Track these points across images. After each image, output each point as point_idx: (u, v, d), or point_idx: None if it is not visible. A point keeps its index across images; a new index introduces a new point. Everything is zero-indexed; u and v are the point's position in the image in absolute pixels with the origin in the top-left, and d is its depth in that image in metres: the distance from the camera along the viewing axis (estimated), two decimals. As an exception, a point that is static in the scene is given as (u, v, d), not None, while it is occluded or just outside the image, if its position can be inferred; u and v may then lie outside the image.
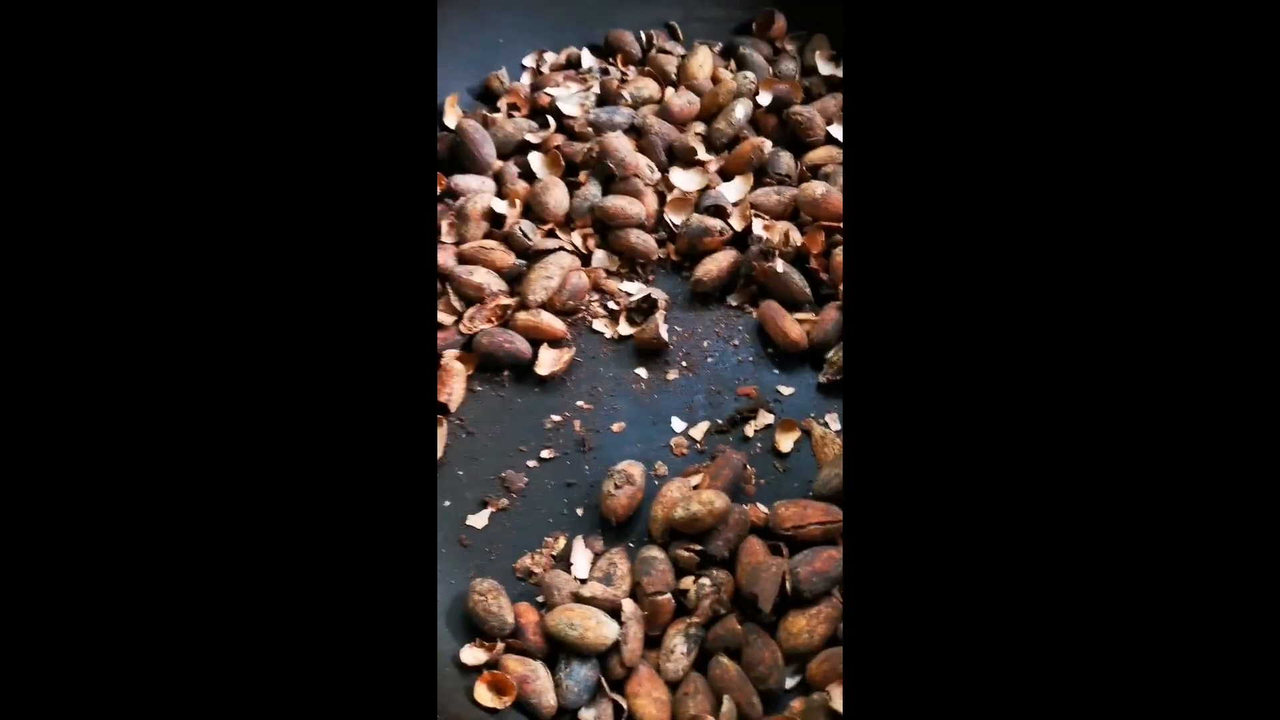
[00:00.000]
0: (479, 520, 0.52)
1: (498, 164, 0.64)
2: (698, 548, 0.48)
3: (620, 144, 0.61)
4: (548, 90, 0.67)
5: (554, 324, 0.57)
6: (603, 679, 0.46)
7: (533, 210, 0.61)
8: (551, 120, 0.66)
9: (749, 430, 0.55)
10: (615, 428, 0.55)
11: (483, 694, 0.44)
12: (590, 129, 0.64)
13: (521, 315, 0.57)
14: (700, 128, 0.66)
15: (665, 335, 0.57)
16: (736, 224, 0.61)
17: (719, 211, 0.62)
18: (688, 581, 0.48)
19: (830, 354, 0.57)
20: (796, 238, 0.60)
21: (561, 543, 0.51)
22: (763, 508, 0.50)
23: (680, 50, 0.71)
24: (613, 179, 0.62)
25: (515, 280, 0.59)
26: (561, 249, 0.60)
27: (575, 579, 0.49)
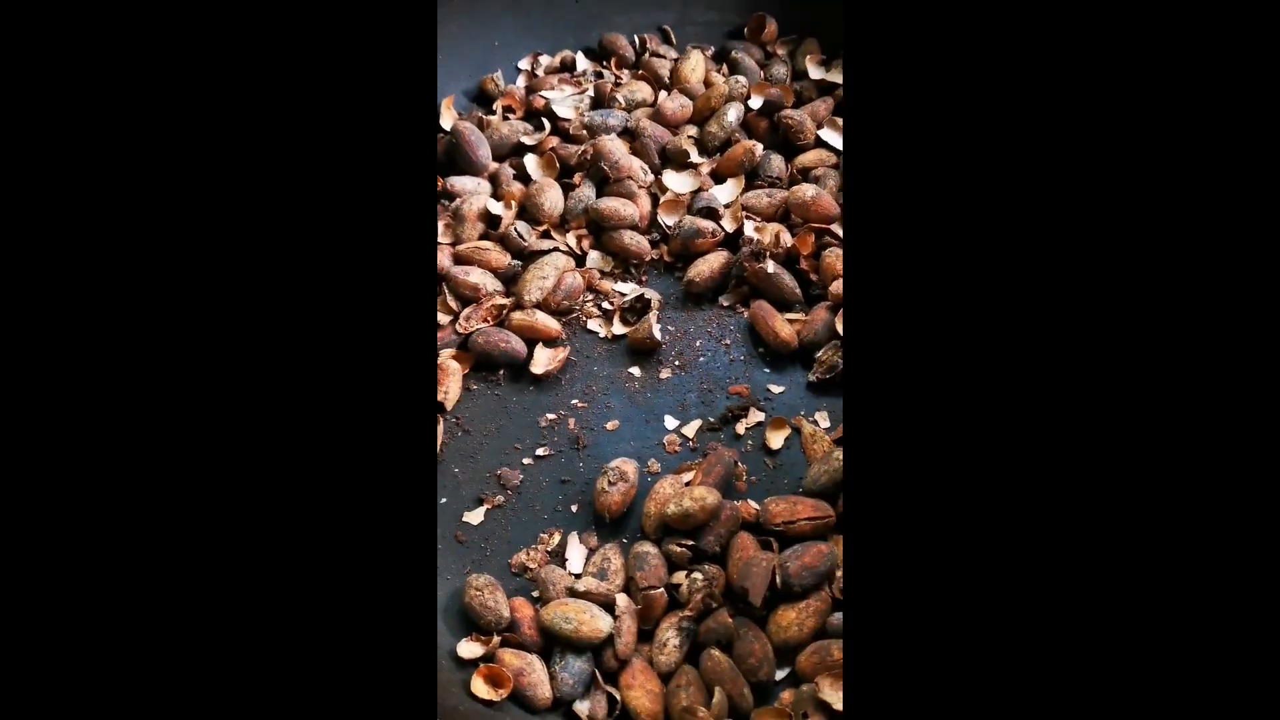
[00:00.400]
0: (475, 517, 0.53)
1: (493, 165, 0.65)
2: (690, 543, 0.49)
3: (615, 146, 0.62)
4: (543, 93, 0.68)
5: (549, 324, 0.58)
6: (597, 672, 0.46)
7: (528, 211, 0.62)
8: (546, 122, 0.67)
9: (740, 428, 0.56)
10: (609, 426, 0.56)
11: (479, 686, 0.45)
12: (585, 131, 0.65)
13: (517, 315, 0.58)
14: (693, 131, 0.67)
15: (658, 335, 0.58)
16: (728, 225, 0.62)
17: (711, 213, 0.63)
18: (680, 576, 0.49)
19: (820, 353, 0.58)
20: (787, 239, 0.61)
21: (556, 538, 0.52)
22: (753, 504, 0.51)
23: (673, 54, 0.72)
24: (607, 181, 0.63)
25: (511, 280, 0.60)
26: (556, 250, 0.60)
27: (570, 574, 0.50)
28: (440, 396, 0.56)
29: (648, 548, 0.50)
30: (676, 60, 0.70)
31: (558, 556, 0.51)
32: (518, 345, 0.57)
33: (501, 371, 0.58)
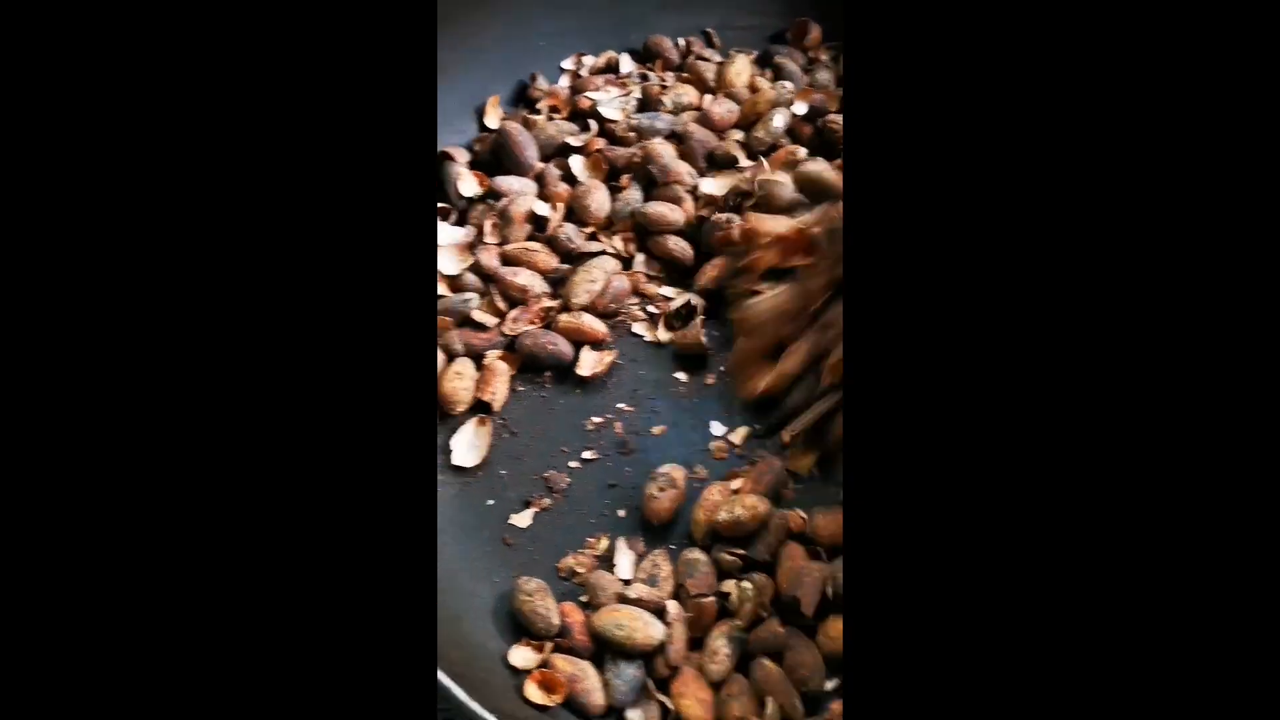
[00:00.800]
0: (523, 520, 0.53)
1: (539, 166, 0.64)
2: (741, 552, 0.49)
3: (665, 150, 0.62)
4: (588, 94, 0.67)
5: (595, 326, 0.58)
6: (649, 680, 0.46)
7: (575, 213, 0.62)
8: (593, 124, 0.66)
9: (787, 436, 0.56)
10: (655, 430, 0.56)
11: (533, 692, 0.45)
12: (633, 134, 0.65)
13: (564, 317, 0.58)
14: (739, 135, 0.66)
15: (705, 340, 0.58)
16: (774, 232, 0.62)
17: (757, 219, 0.62)
18: (729, 584, 0.49)
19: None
20: (834, 247, 0.61)
21: (604, 543, 0.52)
22: (801, 513, 0.51)
23: (717, 58, 0.72)
24: (655, 184, 0.62)
25: (558, 283, 0.60)
26: (604, 252, 0.60)
27: (619, 579, 0.50)
28: (487, 397, 0.56)
29: (697, 554, 0.50)
30: (721, 64, 0.70)
31: (605, 561, 0.51)
32: (564, 347, 0.57)
33: (548, 373, 0.58)
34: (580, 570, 0.51)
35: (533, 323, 0.58)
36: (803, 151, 0.64)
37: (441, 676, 0.40)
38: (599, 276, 0.59)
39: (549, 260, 0.60)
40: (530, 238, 0.61)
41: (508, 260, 0.60)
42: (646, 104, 0.67)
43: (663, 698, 0.46)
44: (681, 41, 0.73)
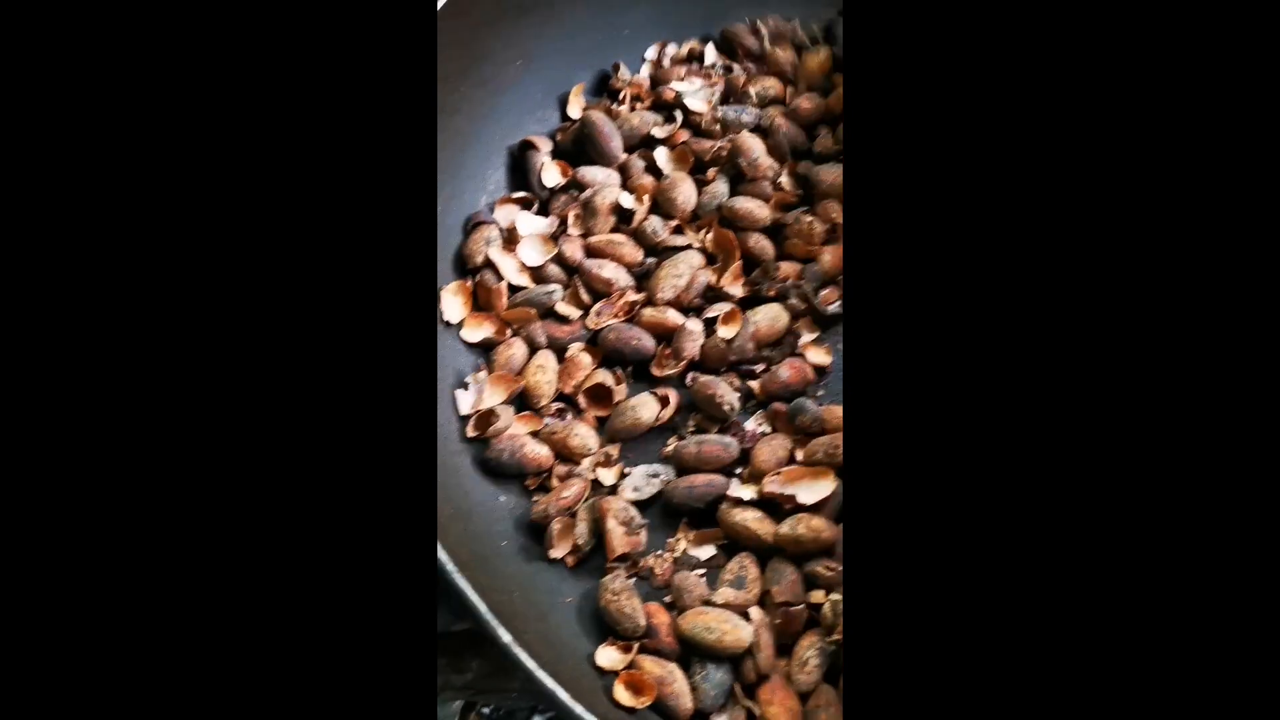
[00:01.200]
0: (606, 517, 0.52)
1: (623, 157, 0.63)
2: (838, 566, 0.48)
3: (753, 144, 0.61)
4: (673, 85, 0.66)
5: (680, 321, 0.57)
6: (738, 685, 0.46)
7: (660, 206, 0.61)
8: (678, 115, 0.65)
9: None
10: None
11: (621, 693, 0.45)
12: (718, 126, 0.63)
13: (648, 311, 0.57)
14: (825, 129, 0.65)
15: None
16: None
17: (844, 217, 0.61)
18: (818, 595, 0.48)
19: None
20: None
21: (683, 544, 0.51)
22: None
23: (802, 49, 0.70)
24: (741, 179, 0.61)
25: (642, 276, 0.59)
26: (690, 247, 0.59)
27: (698, 575, 0.49)
28: (569, 390, 0.55)
29: (784, 562, 0.49)
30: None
31: (684, 564, 0.50)
32: (648, 343, 0.56)
33: (630, 368, 0.57)
34: (659, 571, 0.50)
35: (617, 316, 0.57)
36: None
37: (544, 678, 0.40)
38: (684, 271, 0.58)
39: (634, 253, 0.59)
40: (614, 230, 0.60)
41: (592, 252, 0.59)
42: (731, 96, 0.66)
43: (750, 704, 0.45)
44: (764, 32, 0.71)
